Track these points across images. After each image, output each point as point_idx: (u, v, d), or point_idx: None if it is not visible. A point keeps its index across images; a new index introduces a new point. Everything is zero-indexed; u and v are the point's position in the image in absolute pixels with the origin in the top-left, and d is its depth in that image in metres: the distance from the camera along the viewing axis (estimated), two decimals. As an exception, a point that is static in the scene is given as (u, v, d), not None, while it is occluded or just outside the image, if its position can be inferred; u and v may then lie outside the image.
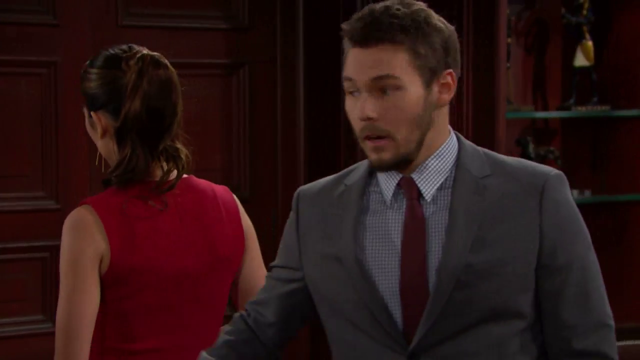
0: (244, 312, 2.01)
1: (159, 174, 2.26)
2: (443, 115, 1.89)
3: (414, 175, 1.87)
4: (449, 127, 1.92)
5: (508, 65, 4.48)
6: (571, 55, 4.80)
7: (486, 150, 1.92)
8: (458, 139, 1.92)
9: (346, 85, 1.84)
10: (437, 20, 1.87)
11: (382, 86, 1.81)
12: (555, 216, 1.84)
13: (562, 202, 1.86)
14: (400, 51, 1.81)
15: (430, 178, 1.87)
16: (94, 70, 2.26)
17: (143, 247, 2.20)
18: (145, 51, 2.26)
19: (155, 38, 4.11)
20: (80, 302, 2.15)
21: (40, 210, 4.12)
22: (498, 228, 1.82)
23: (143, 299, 2.21)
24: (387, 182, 1.88)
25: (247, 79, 4.49)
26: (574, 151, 4.89)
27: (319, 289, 1.91)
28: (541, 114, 4.80)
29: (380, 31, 1.81)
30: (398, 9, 1.83)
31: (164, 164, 2.26)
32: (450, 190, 1.86)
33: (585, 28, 4.77)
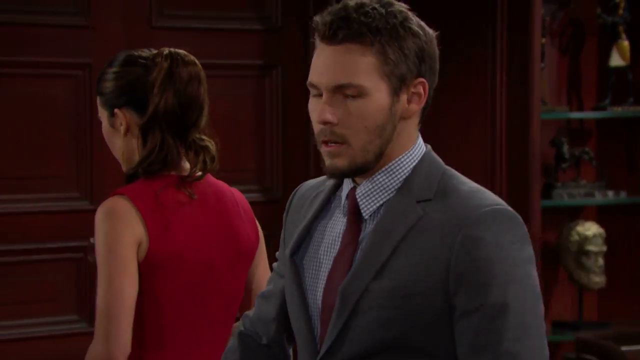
0: (242, 328, 1.95)
1: (186, 166, 2.29)
2: (410, 127, 1.75)
3: (358, 190, 1.74)
4: (420, 140, 1.78)
5: (542, 65, 4.45)
6: (606, 55, 4.76)
7: (451, 172, 1.76)
8: (424, 155, 1.76)
9: (310, 88, 1.73)
10: (416, 24, 1.73)
11: (344, 92, 1.69)
12: (468, 254, 1.64)
13: (485, 240, 1.64)
14: (368, 54, 1.68)
15: (374, 195, 1.73)
16: (114, 70, 2.31)
17: (176, 236, 2.23)
18: (170, 49, 2.31)
19: (188, 39, 4.12)
20: (121, 286, 2.15)
21: (74, 211, 4.14)
22: (411, 256, 1.67)
23: (173, 289, 2.22)
24: (345, 188, 1.78)
25: (279, 80, 4.49)
26: (609, 152, 4.85)
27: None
28: (576, 115, 4.76)
29: (350, 29, 1.68)
30: (373, 8, 1.69)
31: (192, 157, 2.29)
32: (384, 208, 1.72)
33: (621, 28, 4.73)
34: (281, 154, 4.48)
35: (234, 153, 4.38)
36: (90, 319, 4.12)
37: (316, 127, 1.73)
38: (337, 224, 1.77)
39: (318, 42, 1.72)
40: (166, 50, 2.29)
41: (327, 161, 1.72)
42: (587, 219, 4.77)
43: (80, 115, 4.12)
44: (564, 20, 4.80)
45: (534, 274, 1.69)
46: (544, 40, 4.50)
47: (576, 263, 4.70)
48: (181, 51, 2.31)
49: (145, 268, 2.20)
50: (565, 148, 4.66)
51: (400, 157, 1.74)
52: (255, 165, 4.42)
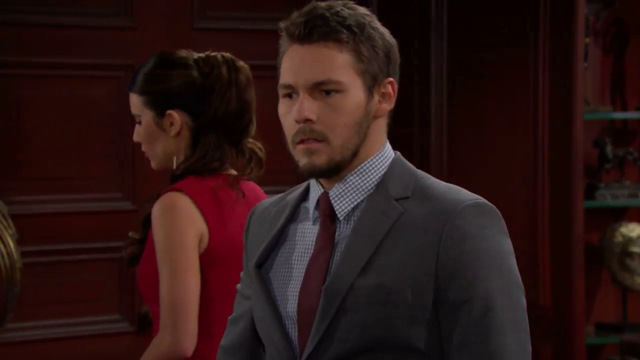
0: None
1: (232, 168, 2.37)
2: (379, 128, 1.75)
3: (332, 192, 1.73)
4: (388, 144, 1.77)
5: (585, 65, 4.42)
6: (651, 55, 4.72)
7: (424, 174, 1.76)
8: (394, 158, 1.76)
9: (282, 91, 1.72)
10: (382, 27, 1.75)
11: (322, 89, 1.69)
12: (455, 248, 1.65)
13: (469, 234, 1.65)
14: (344, 51, 1.69)
15: (347, 196, 1.73)
16: (165, 71, 2.36)
17: (231, 231, 2.30)
18: (220, 53, 2.39)
19: (230, 40, 4.14)
20: (186, 278, 2.21)
21: (116, 212, 4.17)
22: (395, 253, 1.66)
23: (224, 282, 2.28)
24: (313, 196, 1.76)
25: (321, 81, 4.49)
26: (653, 152, 4.80)
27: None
28: (620, 115, 4.72)
29: (327, 27, 1.69)
30: (342, 10, 1.71)
31: (243, 160, 2.37)
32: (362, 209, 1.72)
33: (665, 27, 4.68)
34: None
35: (275, 154, 4.38)
36: (132, 318, 4.15)
37: (292, 127, 1.72)
38: (307, 232, 1.75)
39: (288, 45, 1.73)
40: (218, 55, 2.37)
41: (304, 160, 1.71)
42: (630, 220, 4.73)
43: (123, 116, 4.14)
44: (608, 20, 4.76)
45: (516, 266, 1.70)
46: (587, 40, 4.46)
47: (620, 265, 4.66)
48: (228, 55, 2.39)
49: (204, 261, 2.26)
50: (609, 148, 4.62)
51: (372, 158, 1.74)
52: (295, 167, 4.42)
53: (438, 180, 1.75)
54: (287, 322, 1.73)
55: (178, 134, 2.35)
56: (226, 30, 4.28)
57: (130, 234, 2.40)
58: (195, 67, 2.35)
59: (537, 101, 4.11)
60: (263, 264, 1.77)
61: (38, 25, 4.09)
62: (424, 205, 1.69)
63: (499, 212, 1.70)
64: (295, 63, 1.71)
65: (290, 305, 1.72)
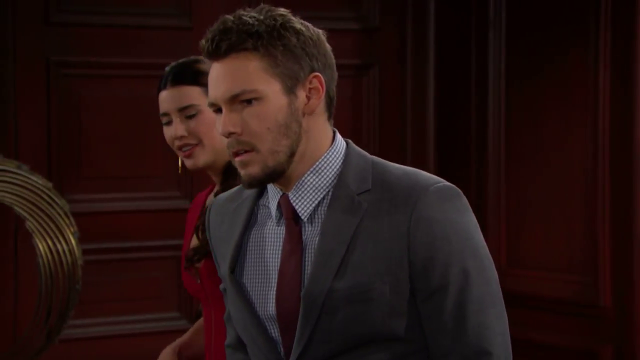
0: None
1: None
2: (317, 123, 1.76)
3: (291, 194, 1.75)
4: (337, 136, 1.79)
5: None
6: None
7: (378, 160, 1.78)
8: (347, 149, 1.78)
9: (210, 108, 1.77)
10: (298, 23, 1.78)
11: (240, 99, 1.72)
12: (425, 235, 1.69)
13: (436, 220, 1.69)
14: (253, 59, 1.72)
15: (306, 196, 1.74)
16: None
17: None
18: None
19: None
20: None
21: (174, 210, 4.20)
22: (366, 250, 1.69)
23: None
24: (273, 200, 1.78)
25: (377, 80, 4.49)
26: None
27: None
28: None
29: (229, 40, 1.72)
30: (252, 17, 1.74)
31: None
32: (325, 208, 1.74)
33: None
34: (378, 154, 4.47)
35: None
36: (191, 316, 4.18)
37: (224, 141, 1.76)
38: (272, 233, 1.77)
39: (208, 63, 1.77)
40: None
41: (241, 172, 1.74)
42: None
43: (182, 116, 4.18)
44: (668, 18, 4.70)
45: (482, 238, 1.74)
46: (647, 38, 4.41)
47: (679, 265, 4.60)
48: None
49: None
50: (669, 148, 4.57)
51: (324, 155, 1.76)
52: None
53: (395, 165, 1.78)
54: (268, 324, 1.76)
55: None
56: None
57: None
58: None
59: (598, 101, 4.08)
60: (234, 268, 1.79)
61: (98, 26, 4.13)
62: (386, 196, 1.71)
63: (458, 189, 1.74)
64: (212, 79, 1.75)
65: (269, 307, 1.75)
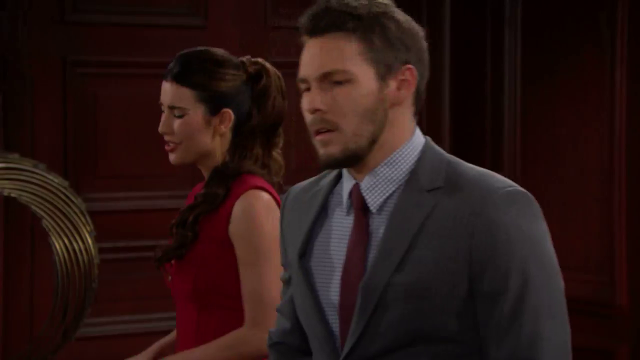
0: (271, 342, 1.94)
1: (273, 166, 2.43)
2: (403, 115, 1.75)
3: (363, 184, 1.75)
4: (417, 131, 1.78)
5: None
6: None
7: (455, 159, 1.76)
8: (425, 145, 1.77)
9: (300, 85, 1.76)
10: (400, 14, 1.77)
11: (331, 79, 1.72)
12: (488, 238, 1.66)
13: (502, 223, 1.66)
14: (351, 40, 1.71)
15: (378, 188, 1.74)
16: (228, 71, 2.41)
17: None
18: (259, 59, 2.46)
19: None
20: (277, 276, 2.23)
21: (190, 209, 4.21)
22: (429, 246, 1.68)
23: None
24: (346, 187, 1.78)
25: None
26: None
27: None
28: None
29: (334, 18, 1.71)
30: (354, 0, 1.73)
31: (274, 164, 2.42)
32: (395, 201, 1.72)
33: None
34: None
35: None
36: (206, 315, 4.19)
37: (308, 118, 1.74)
38: (342, 222, 1.77)
39: (304, 40, 1.76)
40: (259, 60, 2.43)
41: (321, 151, 1.73)
42: None
43: (197, 115, 4.19)
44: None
45: (552, 249, 1.71)
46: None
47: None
48: (267, 62, 2.45)
49: None
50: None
51: (401, 148, 1.75)
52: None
53: (471, 166, 1.76)
54: (328, 311, 1.76)
55: (223, 134, 2.39)
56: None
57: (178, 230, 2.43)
58: (244, 69, 2.41)
59: (614, 99, 4.06)
60: (304, 254, 1.80)
61: (114, 25, 4.15)
62: (456, 196, 1.70)
63: (531, 195, 1.72)
64: (306, 56, 1.74)
65: (332, 294, 1.75)
